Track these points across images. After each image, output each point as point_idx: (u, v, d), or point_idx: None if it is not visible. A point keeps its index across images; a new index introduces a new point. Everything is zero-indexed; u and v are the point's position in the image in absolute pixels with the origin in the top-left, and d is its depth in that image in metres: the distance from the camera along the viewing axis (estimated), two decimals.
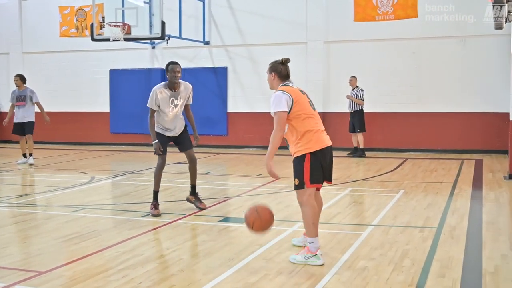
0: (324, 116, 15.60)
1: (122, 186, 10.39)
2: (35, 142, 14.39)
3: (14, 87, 14.06)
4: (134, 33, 14.74)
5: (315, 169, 5.35)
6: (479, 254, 5.70)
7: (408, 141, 16.04)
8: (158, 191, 7.70)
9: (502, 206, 8.38)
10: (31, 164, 13.41)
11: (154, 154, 7.62)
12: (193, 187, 8.01)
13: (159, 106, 7.49)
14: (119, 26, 14.48)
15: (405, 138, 16.07)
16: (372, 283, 4.78)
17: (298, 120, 5.35)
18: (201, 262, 5.51)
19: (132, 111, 18.29)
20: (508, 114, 11.53)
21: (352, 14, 16.11)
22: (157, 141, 7.48)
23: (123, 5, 14.91)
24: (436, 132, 15.87)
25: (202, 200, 8.11)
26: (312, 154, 5.35)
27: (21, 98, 13.70)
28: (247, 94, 17.37)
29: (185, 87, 7.72)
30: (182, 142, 7.85)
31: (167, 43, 16.43)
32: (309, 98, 5.56)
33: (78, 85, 18.98)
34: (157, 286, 4.78)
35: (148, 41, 17.33)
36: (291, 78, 5.63)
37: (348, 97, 14.61)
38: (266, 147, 5.39)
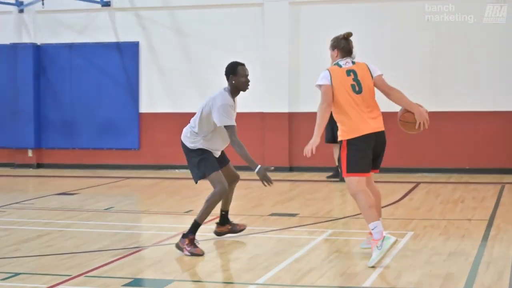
0: (291, 117, 14.04)
1: None
2: None
3: None
4: None
5: (353, 158, 6.57)
6: None
7: (420, 156, 14.07)
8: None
9: None
10: None
11: (269, 185, 7.31)
12: (227, 213, 8.35)
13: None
14: None
15: (417, 151, 14.03)
16: None
17: (336, 103, 6.84)
18: None
19: None
20: None
21: None
22: (260, 166, 7.19)
23: None
24: (461, 142, 13.84)
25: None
26: (349, 141, 6.69)
27: None
28: (171, 85, 15.04)
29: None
30: (221, 158, 7.88)
31: (43, 3, 14.57)
32: (356, 78, 6.71)
33: None
34: None
35: (14, 0, 15.62)
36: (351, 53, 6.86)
37: None
38: None
